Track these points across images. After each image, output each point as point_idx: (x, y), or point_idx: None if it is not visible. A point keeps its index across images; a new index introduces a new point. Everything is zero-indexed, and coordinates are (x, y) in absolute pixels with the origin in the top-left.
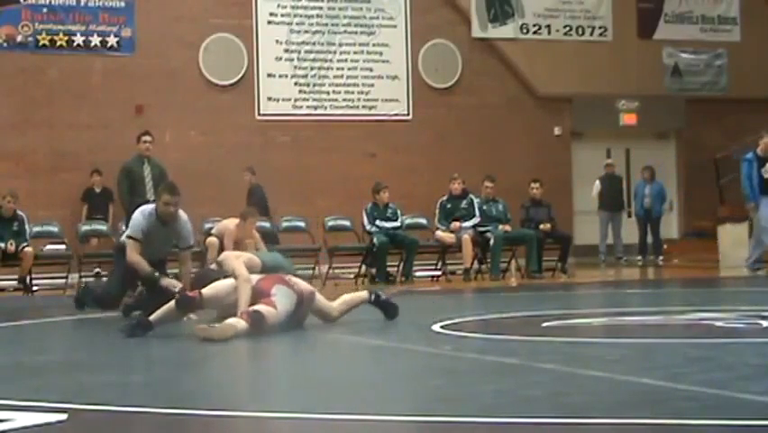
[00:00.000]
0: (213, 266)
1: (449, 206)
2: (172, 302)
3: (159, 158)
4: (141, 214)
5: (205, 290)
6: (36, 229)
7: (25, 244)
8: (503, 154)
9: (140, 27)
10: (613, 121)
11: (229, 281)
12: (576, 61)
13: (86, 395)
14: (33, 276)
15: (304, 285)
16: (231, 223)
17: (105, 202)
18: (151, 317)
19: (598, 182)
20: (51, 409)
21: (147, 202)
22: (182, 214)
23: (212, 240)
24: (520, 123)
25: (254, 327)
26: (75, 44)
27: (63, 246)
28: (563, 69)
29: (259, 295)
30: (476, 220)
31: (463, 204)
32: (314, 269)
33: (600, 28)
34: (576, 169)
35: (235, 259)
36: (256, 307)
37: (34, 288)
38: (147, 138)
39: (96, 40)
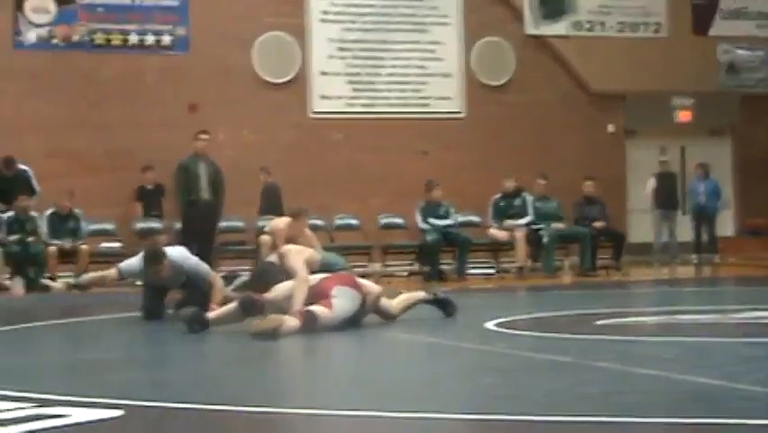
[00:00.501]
0: (273, 258)
1: (502, 203)
2: (235, 304)
3: (213, 156)
4: (138, 261)
5: (268, 295)
6: (92, 227)
7: (81, 241)
8: (556, 152)
9: (194, 26)
10: (667, 118)
11: (290, 284)
12: (630, 58)
13: (141, 392)
14: (90, 273)
15: (371, 286)
16: (282, 221)
17: (158, 199)
18: (211, 316)
19: (652, 179)
20: (107, 406)
21: (200, 200)
22: (177, 262)
23: (265, 238)
24: (573, 120)
25: (305, 327)
26: (130, 43)
27: (118, 244)
28: (617, 65)
29: (318, 295)
30: (529, 218)
31: (516, 202)
32: (366, 266)
33: (655, 24)
34: (630, 166)
35: (297, 254)
36: (311, 307)
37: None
38: (204, 136)
39: (150, 39)
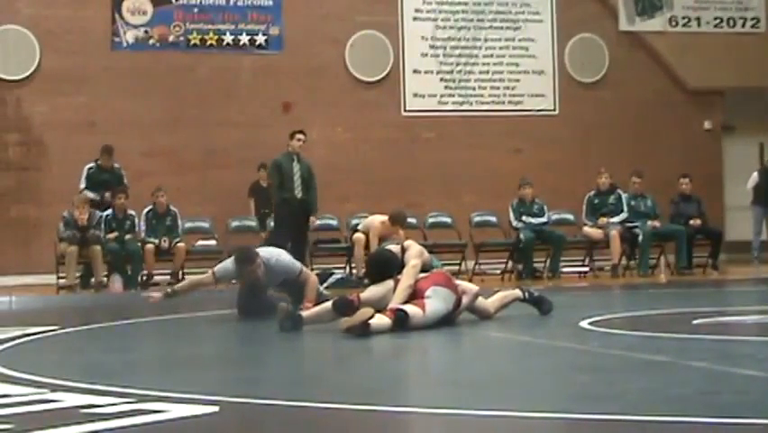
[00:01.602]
0: (393, 247)
1: (596, 201)
2: (328, 304)
3: (306, 155)
4: (231, 263)
5: (363, 295)
6: (188, 225)
7: (178, 239)
8: (651, 149)
9: (287, 25)
10: (766, 114)
11: (385, 285)
12: (727, 54)
13: (236, 388)
14: (186, 271)
15: (468, 286)
16: (377, 219)
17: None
18: (305, 315)
19: (756, 174)
20: (203, 402)
21: (293, 198)
22: (270, 260)
23: (359, 236)
24: (669, 117)
25: (396, 326)
26: (224, 43)
27: (214, 242)
28: (714, 61)
29: (413, 295)
30: (624, 216)
31: (611, 199)
32: (460, 264)
33: (753, 19)
34: (727, 163)
35: (419, 254)
36: (403, 306)
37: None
38: (300, 136)
39: (244, 38)
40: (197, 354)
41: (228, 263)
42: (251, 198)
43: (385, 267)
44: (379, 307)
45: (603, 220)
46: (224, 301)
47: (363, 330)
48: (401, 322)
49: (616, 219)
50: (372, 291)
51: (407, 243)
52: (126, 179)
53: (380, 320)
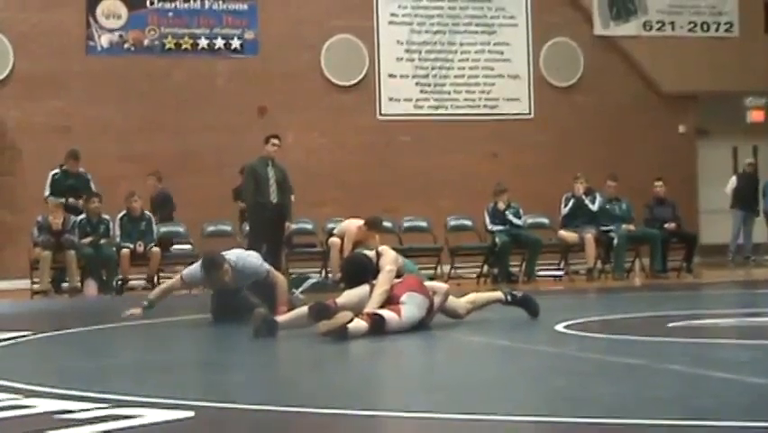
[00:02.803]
0: (368, 253)
1: (572, 204)
2: (304, 309)
3: (281, 159)
4: (199, 268)
5: (339, 300)
6: (163, 230)
7: (152, 244)
8: (626, 153)
9: (263, 29)
10: (740, 118)
11: (361, 290)
12: (701, 58)
13: (212, 393)
14: (161, 276)
15: (438, 285)
16: (353, 224)
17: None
18: (279, 320)
19: (734, 178)
20: (178, 407)
21: (268, 203)
22: (237, 263)
23: (334, 240)
24: (644, 121)
25: (373, 330)
26: (199, 47)
27: (189, 246)
28: (688, 66)
29: (388, 301)
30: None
31: (587, 200)
32: (436, 268)
33: (726, 24)
34: (702, 167)
35: (394, 260)
36: (380, 310)
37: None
38: (275, 141)
39: (219, 42)
40: (172, 360)
41: (196, 268)
42: (237, 202)
43: (360, 272)
44: (356, 311)
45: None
46: (198, 306)
47: (341, 334)
48: (378, 326)
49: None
50: (349, 296)
51: (382, 248)
52: (93, 185)
53: (357, 324)
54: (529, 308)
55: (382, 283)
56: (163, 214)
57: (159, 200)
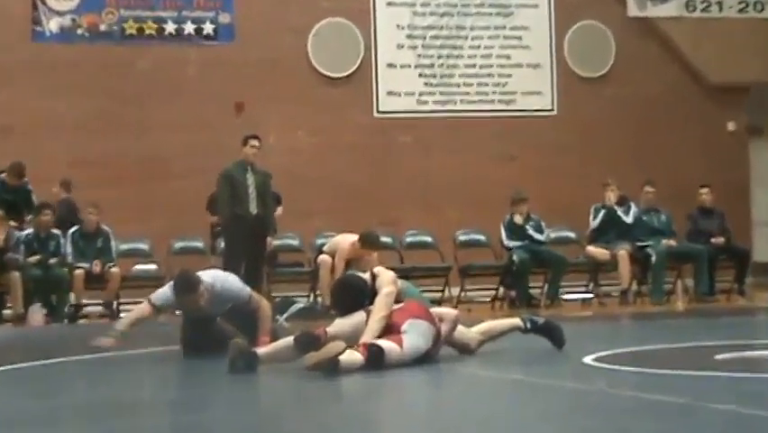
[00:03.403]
0: (365, 276)
1: (602, 216)
2: (289, 339)
3: (262, 163)
4: (170, 290)
5: (330, 328)
6: (123, 246)
7: (111, 263)
8: (666, 155)
9: (240, 12)
10: None
11: (356, 318)
12: (753, 43)
13: None
14: (121, 300)
15: (445, 312)
16: (345, 240)
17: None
18: (260, 352)
19: None
20: None
21: (247, 215)
22: (214, 285)
23: (324, 258)
24: (686, 117)
25: (369, 364)
26: (166, 33)
27: (154, 266)
28: (738, 52)
29: (388, 329)
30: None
31: (619, 212)
32: (443, 291)
33: None
34: (755, 171)
35: (393, 281)
36: (378, 341)
37: (122, 314)
38: (255, 142)
39: (189, 27)
40: (134, 399)
41: (167, 290)
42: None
43: (354, 296)
44: (350, 343)
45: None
46: (166, 336)
47: (332, 367)
48: (375, 359)
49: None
50: (341, 325)
51: (377, 269)
52: (35, 198)
53: (351, 356)
54: (553, 336)
55: (380, 309)
56: (65, 227)
57: (62, 209)
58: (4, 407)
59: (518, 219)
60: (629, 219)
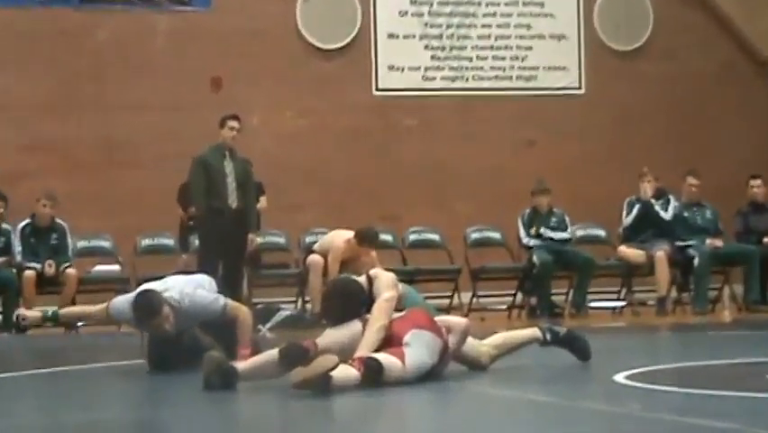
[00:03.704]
0: (359, 278)
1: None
2: (273, 352)
3: (243, 148)
4: (129, 304)
5: (320, 340)
6: (81, 244)
7: (67, 264)
8: (711, 141)
9: None
10: None
11: (349, 328)
12: None
13: None
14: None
15: (453, 321)
16: (339, 237)
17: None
18: (240, 367)
19: None
20: None
21: (225, 208)
22: (182, 303)
23: (315, 259)
24: (736, 98)
25: (366, 380)
26: None
27: (117, 267)
28: None
29: (387, 341)
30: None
31: (658, 206)
32: (452, 297)
33: None
34: None
35: (393, 285)
36: (376, 354)
37: (79, 322)
38: (233, 123)
39: None
40: (94, 420)
41: (126, 304)
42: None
43: (349, 303)
44: (343, 357)
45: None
46: (130, 348)
47: (323, 385)
48: (373, 375)
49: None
50: (333, 336)
51: (374, 271)
52: None
53: (346, 372)
54: (576, 348)
55: (378, 317)
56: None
57: None
58: None
59: (540, 211)
60: (668, 215)
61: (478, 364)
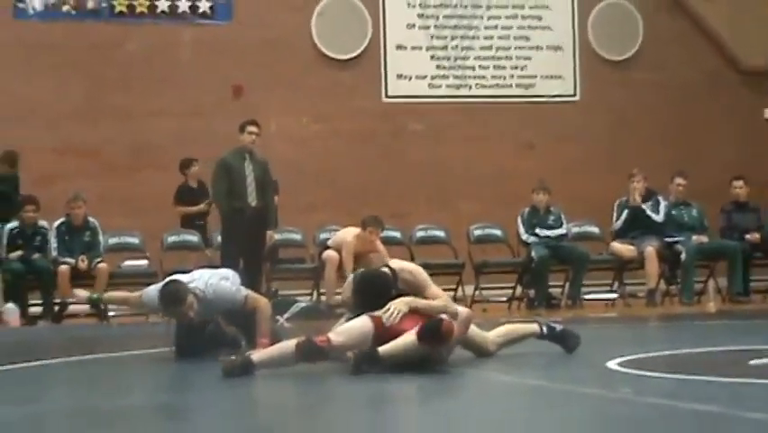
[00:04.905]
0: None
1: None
2: (289, 344)
3: (262, 152)
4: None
5: (334, 336)
6: (112, 241)
7: (99, 259)
8: (697, 144)
9: None
10: None
11: (361, 323)
12: None
13: None
14: None
15: (459, 312)
16: (349, 233)
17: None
18: (256, 358)
19: None
20: None
21: (246, 207)
22: (206, 292)
23: (330, 254)
24: (719, 104)
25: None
26: (159, 11)
27: (145, 262)
28: None
29: (396, 334)
30: (661, 215)
31: (648, 207)
32: (456, 290)
33: None
34: None
35: (443, 297)
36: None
37: (110, 313)
38: (253, 129)
39: (184, 5)
40: (121, 405)
41: (156, 292)
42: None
43: (379, 290)
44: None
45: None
46: (158, 337)
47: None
48: (431, 333)
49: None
50: (349, 331)
51: (398, 264)
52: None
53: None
54: (566, 343)
55: (442, 299)
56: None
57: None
58: None
59: (538, 209)
60: (659, 217)
61: (484, 352)
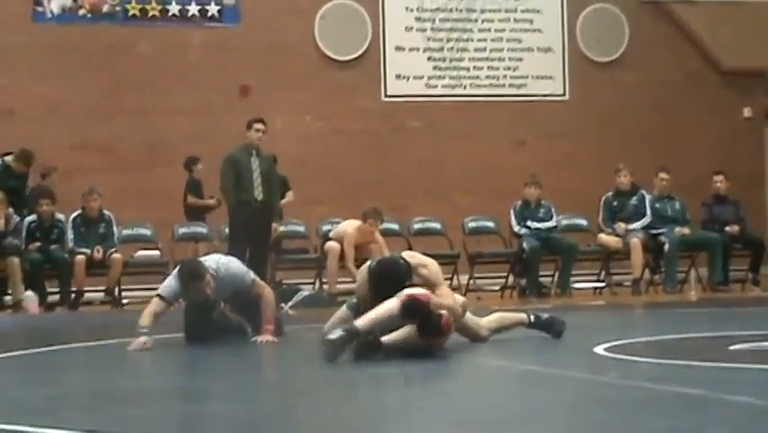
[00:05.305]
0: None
1: (615, 203)
2: (393, 302)
3: (268, 148)
4: (175, 281)
5: (361, 323)
6: (125, 232)
7: (113, 249)
8: (680, 141)
9: None
10: None
11: (390, 305)
12: None
13: (180, 426)
14: (123, 287)
15: (460, 299)
16: (350, 225)
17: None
18: (361, 325)
19: None
20: None
21: (252, 200)
22: (219, 271)
23: (332, 245)
24: (701, 103)
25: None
26: (170, 14)
27: (157, 252)
28: (755, 37)
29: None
30: (646, 220)
31: (632, 201)
32: (451, 279)
33: None
34: None
35: (450, 296)
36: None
37: (124, 300)
38: (260, 126)
39: (194, 8)
40: (136, 387)
41: (172, 281)
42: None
43: (397, 278)
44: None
45: (622, 226)
46: (169, 323)
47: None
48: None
49: (637, 225)
50: (377, 314)
51: (416, 259)
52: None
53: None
54: (551, 328)
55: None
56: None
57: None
58: (6, 393)
59: (529, 202)
60: (646, 220)
61: (478, 337)
